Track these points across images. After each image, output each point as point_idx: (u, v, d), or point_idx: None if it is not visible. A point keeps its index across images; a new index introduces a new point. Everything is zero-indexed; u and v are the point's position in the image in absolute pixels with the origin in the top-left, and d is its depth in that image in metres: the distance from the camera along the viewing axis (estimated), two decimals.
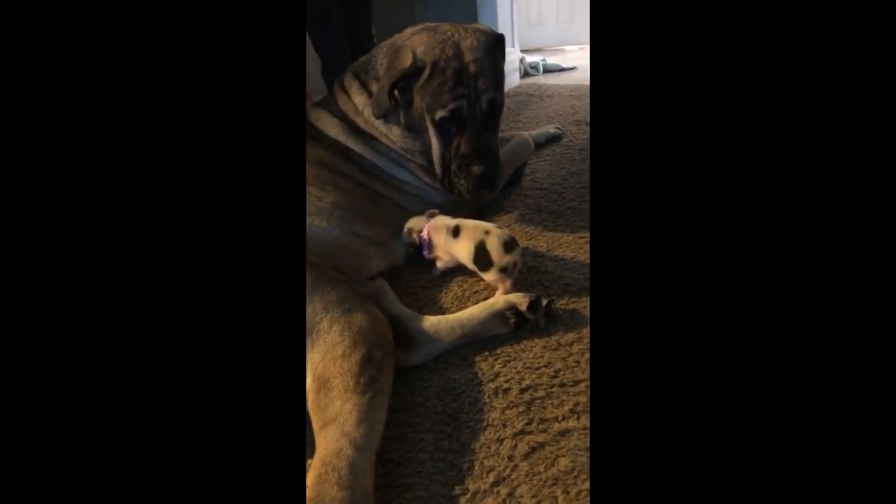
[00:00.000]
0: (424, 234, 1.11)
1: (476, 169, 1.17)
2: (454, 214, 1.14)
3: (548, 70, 3.48)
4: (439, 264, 1.13)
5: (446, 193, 1.27)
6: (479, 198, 1.28)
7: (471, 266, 1.04)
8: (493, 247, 0.99)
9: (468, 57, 1.16)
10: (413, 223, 1.14)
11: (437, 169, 1.23)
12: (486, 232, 1.02)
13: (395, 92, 1.19)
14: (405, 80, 1.17)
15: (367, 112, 1.27)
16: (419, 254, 1.14)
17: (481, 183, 1.19)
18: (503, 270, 0.99)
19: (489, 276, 1.01)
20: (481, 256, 1.00)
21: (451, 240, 1.07)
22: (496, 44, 1.22)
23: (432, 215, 1.13)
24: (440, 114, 1.15)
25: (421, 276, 1.15)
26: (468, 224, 1.06)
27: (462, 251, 1.05)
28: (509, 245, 0.99)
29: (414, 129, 1.23)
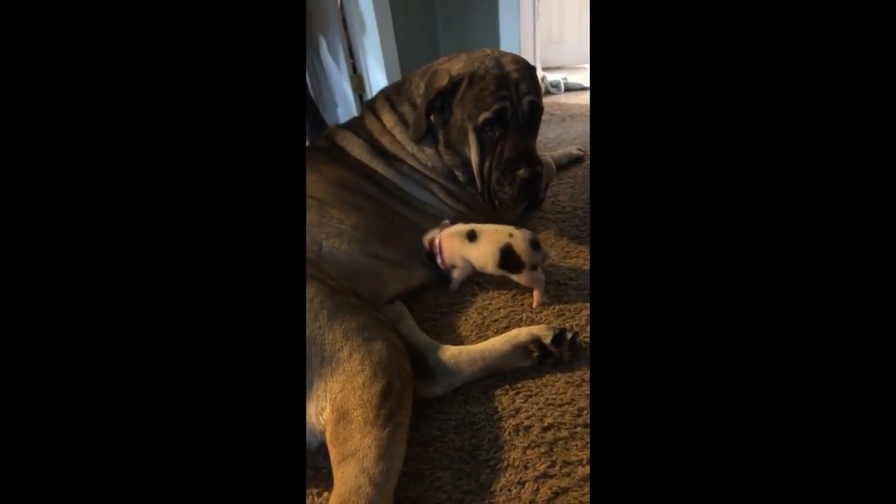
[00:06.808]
0: (436, 243, 1.11)
1: (523, 172, 1.15)
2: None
3: (569, 88, 3.46)
4: (455, 274, 1.12)
5: (484, 207, 1.26)
6: (520, 207, 1.27)
7: (493, 271, 1.04)
8: (521, 248, 1.00)
9: (509, 67, 1.17)
10: (428, 235, 1.14)
11: (477, 180, 1.22)
12: (510, 234, 1.03)
13: (431, 116, 1.20)
14: (442, 98, 1.18)
15: (396, 131, 1.29)
16: (433, 264, 1.13)
17: (528, 187, 1.17)
18: (534, 268, 1.01)
19: (522, 279, 1.02)
20: (510, 259, 1.01)
21: (466, 244, 1.06)
22: (532, 68, 1.25)
23: (444, 227, 1.13)
24: (484, 116, 1.15)
25: (440, 301, 1.14)
26: (486, 228, 1.06)
27: (483, 256, 1.04)
28: (535, 243, 1.01)
29: (453, 145, 1.23)
